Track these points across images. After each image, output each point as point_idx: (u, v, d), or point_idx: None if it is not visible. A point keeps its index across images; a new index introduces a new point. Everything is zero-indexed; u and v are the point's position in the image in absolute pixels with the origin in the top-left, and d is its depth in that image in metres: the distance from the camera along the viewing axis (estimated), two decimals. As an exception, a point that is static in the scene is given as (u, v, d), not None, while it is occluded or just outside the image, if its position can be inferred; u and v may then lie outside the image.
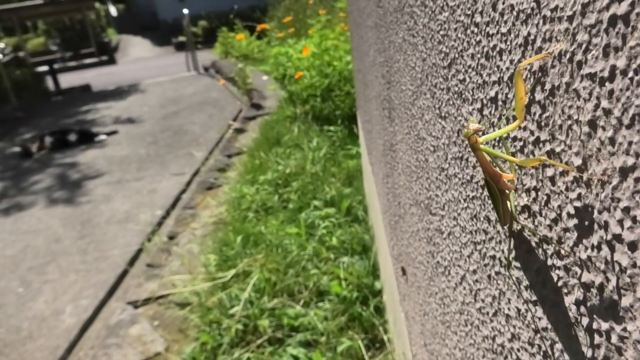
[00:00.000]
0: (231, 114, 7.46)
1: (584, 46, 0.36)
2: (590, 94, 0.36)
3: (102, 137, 7.25)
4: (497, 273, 0.63)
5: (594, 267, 0.38)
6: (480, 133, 0.48)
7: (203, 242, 3.83)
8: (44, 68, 13.48)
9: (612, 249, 0.35)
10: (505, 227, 0.59)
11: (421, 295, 1.32)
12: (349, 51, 4.86)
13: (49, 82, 12.97)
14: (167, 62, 15.06)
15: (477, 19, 0.61)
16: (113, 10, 26.22)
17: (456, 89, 0.74)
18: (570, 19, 0.38)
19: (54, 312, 3.31)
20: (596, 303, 0.38)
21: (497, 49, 0.54)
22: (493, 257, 0.65)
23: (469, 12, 0.64)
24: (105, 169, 5.99)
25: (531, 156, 0.47)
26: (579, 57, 0.37)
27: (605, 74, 0.34)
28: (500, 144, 0.57)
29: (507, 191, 0.50)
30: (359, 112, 3.47)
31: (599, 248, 0.37)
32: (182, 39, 15.89)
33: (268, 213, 3.86)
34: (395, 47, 1.34)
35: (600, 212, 0.36)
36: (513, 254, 0.57)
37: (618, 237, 0.34)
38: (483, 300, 0.71)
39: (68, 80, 13.96)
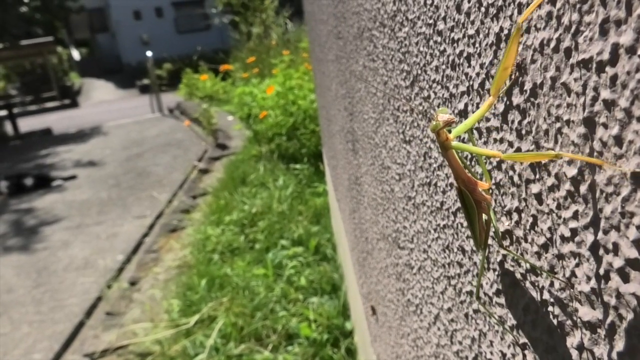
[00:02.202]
0: (196, 155, 7.35)
1: (573, 28, 0.30)
2: (584, 86, 0.29)
3: (59, 182, 7.00)
4: (476, 311, 0.55)
5: (601, 302, 0.30)
6: (453, 126, 0.39)
7: (166, 287, 3.66)
8: (3, 113, 13.13)
9: (626, 278, 0.28)
10: (480, 252, 0.51)
11: (392, 336, 1.23)
12: (313, 90, 4.85)
13: (8, 127, 12.64)
14: (131, 104, 14.91)
15: (440, 26, 0.55)
16: (76, 54, 26.05)
17: (420, 108, 0.68)
18: (553, -1, 0.31)
19: (3, 369, 3.08)
20: (606, 348, 0.30)
21: (465, 54, 0.48)
22: (470, 293, 0.57)
23: (431, 21, 0.58)
24: (64, 214, 5.76)
25: (518, 162, 0.39)
26: (566, 43, 0.30)
27: (605, 56, 0.27)
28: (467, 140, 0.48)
29: (484, 203, 0.41)
30: (324, 148, 3.43)
31: (606, 278, 0.29)
32: (146, 81, 15.83)
33: (234, 254, 3.73)
34: (356, 76, 1.29)
35: (606, 232, 0.29)
36: (486, 282, 0.50)
37: (634, 263, 0.27)
38: (461, 343, 0.63)
39: (28, 124, 13.64)
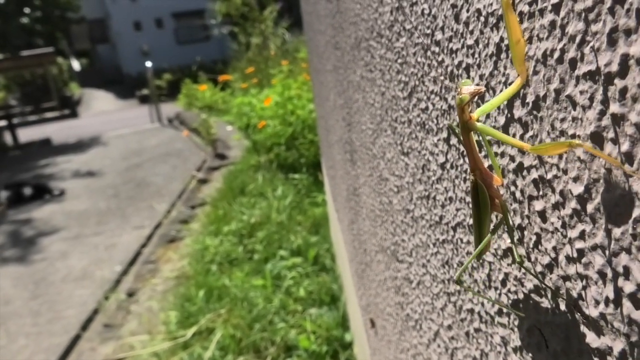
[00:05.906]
0: (195, 165, 7.33)
1: (578, 38, 0.28)
2: (591, 99, 0.27)
3: (48, 197, 6.94)
4: (477, 330, 0.54)
5: (611, 328, 0.28)
6: (475, 103, 0.35)
7: (164, 298, 3.63)
8: (3, 123, 13.13)
9: (638, 305, 0.26)
10: (480, 263, 0.49)
11: (392, 351, 1.21)
12: (311, 100, 4.85)
13: (7, 137, 12.63)
14: (131, 114, 14.92)
15: (438, 36, 0.53)
16: (76, 65, 26.13)
17: (418, 119, 0.66)
18: (557, 7, 0.30)
19: (-2, 382, 3.04)
20: (617, 378, 0.28)
21: (464, 65, 0.47)
22: (471, 311, 0.55)
23: (429, 31, 0.57)
24: (63, 224, 5.73)
25: (520, 178, 0.37)
26: (571, 54, 0.29)
27: (614, 68, 0.25)
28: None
29: (497, 201, 0.37)
30: (323, 158, 3.41)
31: (616, 303, 0.27)
32: (145, 91, 15.85)
33: (232, 265, 3.70)
34: (354, 87, 1.27)
35: (616, 255, 0.27)
36: (486, 300, 0.47)
37: (647, 288, 0.25)
38: (461, 362, 0.61)
39: (28, 134, 13.64)
